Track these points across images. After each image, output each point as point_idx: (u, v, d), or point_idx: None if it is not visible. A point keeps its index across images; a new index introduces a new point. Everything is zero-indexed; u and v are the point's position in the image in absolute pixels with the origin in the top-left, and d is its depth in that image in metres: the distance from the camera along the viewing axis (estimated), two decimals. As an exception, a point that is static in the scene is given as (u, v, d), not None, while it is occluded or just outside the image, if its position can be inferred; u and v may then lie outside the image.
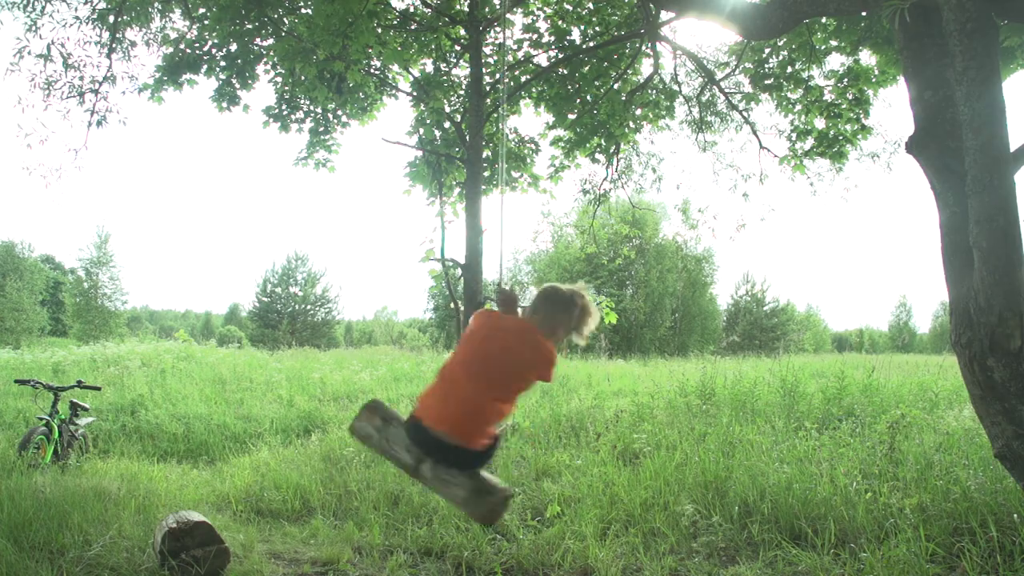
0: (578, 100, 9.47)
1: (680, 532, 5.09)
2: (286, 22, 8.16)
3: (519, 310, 3.38)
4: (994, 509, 4.51)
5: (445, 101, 9.14)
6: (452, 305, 8.56)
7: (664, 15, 8.50)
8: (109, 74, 8.34)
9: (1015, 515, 4.32)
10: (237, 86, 8.66)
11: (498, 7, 8.84)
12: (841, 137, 9.00)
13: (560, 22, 9.11)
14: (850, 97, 8.64)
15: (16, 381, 8.33)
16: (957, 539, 4.39)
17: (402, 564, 4.87)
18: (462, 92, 9.62)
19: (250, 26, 7.92)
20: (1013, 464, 3.39)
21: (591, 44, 9.16)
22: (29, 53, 7.98)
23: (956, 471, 5.19)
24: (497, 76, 9.41)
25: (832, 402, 8.89)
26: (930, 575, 4.08)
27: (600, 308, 9.05)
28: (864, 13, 5.21)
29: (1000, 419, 3.36)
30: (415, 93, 9.31)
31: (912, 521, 4.56)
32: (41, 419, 7.67)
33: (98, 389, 9.68)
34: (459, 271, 8.53)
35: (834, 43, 7.77)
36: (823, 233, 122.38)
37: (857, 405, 8.55)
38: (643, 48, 9.27)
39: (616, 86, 9.30)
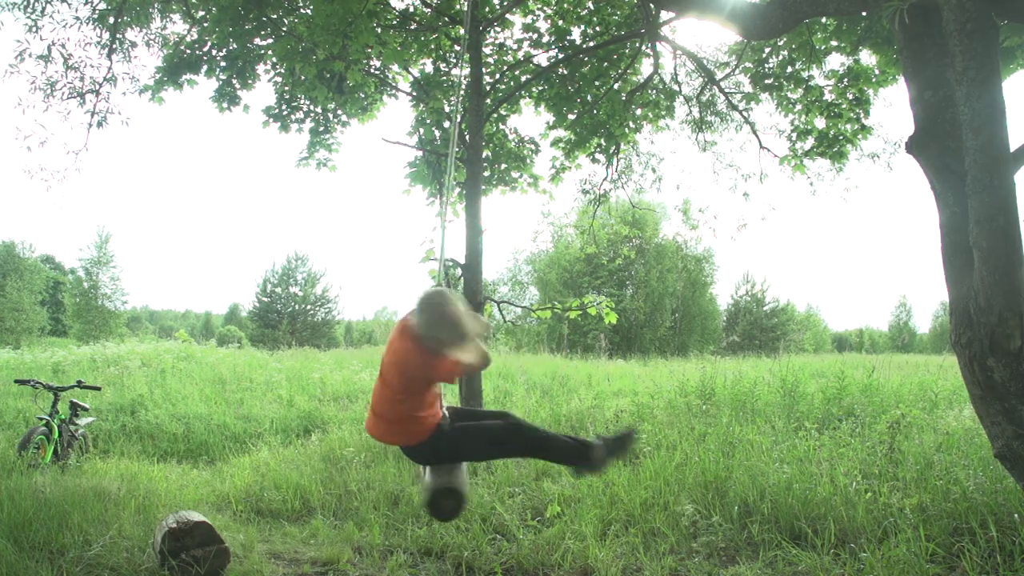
0: (578, 100, 9.46)
1: (680, 532, 5.10)
2: (286, 22, 8.16)
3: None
4: (994, 509, 4.51)
5: (445, 101, 9.13)
6: (452, 305, 8.54)
7: (664, 15, 8.49)
8: (110, 75, 8.34)
9: (1015, 515, 4.32)
10: (237, 86, 8.65)
11: (498, 7, 8.84)
12: (841, 137, 8.99)
13: (560, 22, 9.10)
14: (850, 97, 8.63)
15: (16, 381, 8.34)
16: (957, 539, 4.39)
17: (402, 564, 4.87)
18: (462, 92, 9.61)
19: (249, 26, 7.91)
20: (1013, 464, 3.39)
21: (591, 44, 9.15)
22: (30, 55, 7.98)
23: (956, 471, 5.19)
24: (497, 76, 9.41)
25: (832, 402, 8.88)
26: (930, 575, 4.08)
27: (600, 308, 9.04)
28: (864, 13, 5.21)
29: (1000, 419, 3.37)
30: (415, 93, 9.30)
31: (912, 521, 4.56)
32: (41, 419, 7.67)
33: (98, 389, 9.68)
34: (459, 271, 8.53)
35: (834, 43, 7.76)
36: (823, 233, 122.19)
37: (857, 405, 8.54)
38: (643, 48, 9.27)
39: (616, 86, 9.29)
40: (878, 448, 6.04)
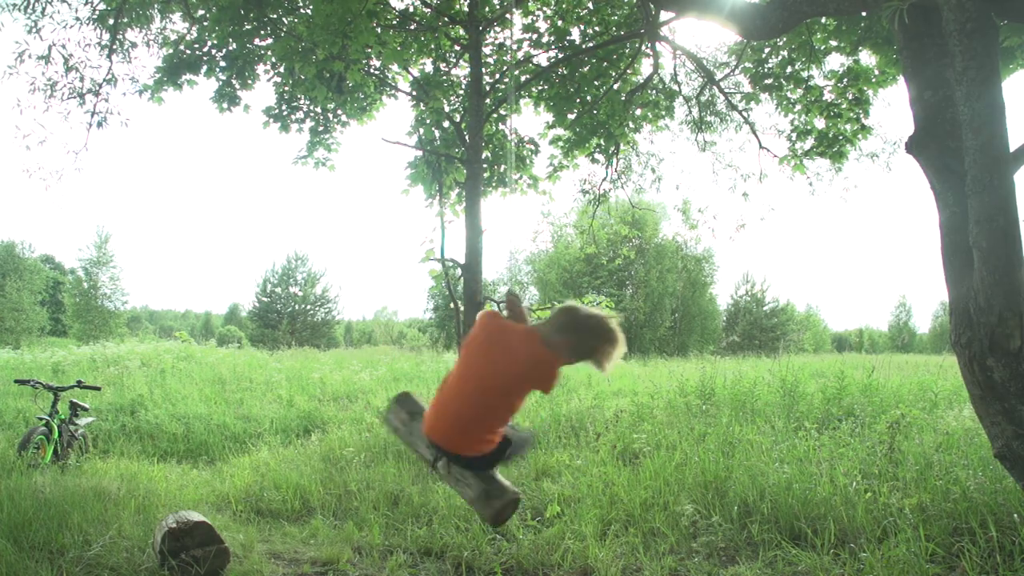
0: (578, 100, 9.46)
1: (680, 532, 5.09)
2: (285, 22, 8.16)
3: (526, 314, 3.25)
4: (994, 509, 4.51)
5: (445, 101, 9.14)
6: (452, 305, 8.56)
7: (664, 15, 8.50)
8: (110, 75, 8.34)
9: (1015, 515, 4.32)
10: (237, 86, 8.66)
11: (498, 7, 8.83)
12: (841, 137, 9.00)
13: (560, 22, 9.10)
14: (850, 97, 8.63)
15: (16, 381, 8.33)
16: (957, 539, 4.39)
17: (402, 564, 4.87)
18: (461, 92, 9.62)
19: (249, 26, 7.92)
20: (1013, 464, 3.39)
21: (591, 44, 9.15)
22: (29, 56, 7.98)
23: (956, 471, 5.19)
24: (497, 76, 9.41)
25: (832, 402, 8.88)
26: (930, 575, 4.08)
27: (600, 308, 9.04)
28: (864, 13, 5.21)
29: (1000, 419, 3.36)
30: (414, 93, 9.31)
31: (912, 521, 4.56)
32: (41, 419, 7.67)
33: (98, 389, 9.67)
34: (459, 271, 8.53)
35: (834, 43, 7.77)
36: (823, 233, 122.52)
37: (857, 405, 8.54)
38: (643, 48, 9.27)
39: (616, 86, 9.30)
40: (878, 448, 6.04)
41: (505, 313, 3.34)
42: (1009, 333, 3.23)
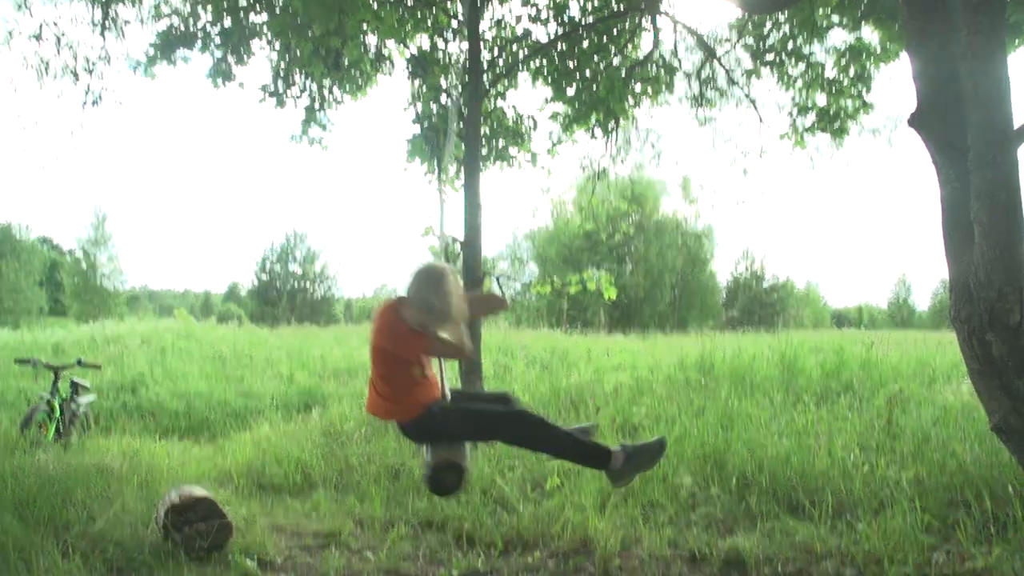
0: (577, 76, 9.36)
1: (679, 504, 5.14)
2: (281, -2, 8.05)
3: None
4: (989, 481, 4.55)
5: (442, 77, 9.04)
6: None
7: (664, -12, 8.39)
8: (103, 53, 8.24)
9: (1009, 487, 4.37)
10: (232, 62, 8.57)
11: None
12: (842, 113, 8.93)
13: (558, -4, 8.97)
14: (852, 73, 8.55)
15: (16, 360, 8.35)
16: (952, 511, 4.44)
17: (403, 536, 4.92)
18: (459, 69, 9.51)
19: (244, 2, 7.81)
20: (1009, 437, 3.42)
21: (590, 19, 9.03)
22: (20, 34, 7.87)
23: (952, 444, 5.24)
24: (495, 52, 9.31)
25: (831, 377, 8.92)
26: (925, 545, 4.13)
27: (600, 283, 9.03)
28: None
29: (997, 393, 3.39)
30: (411, 68, 9.21)
31: (908, 493, 4.61)
32: (42, 398, 7.69)
33: (98, 367, 9.68)
34: (458, 247, 8.50)
35: (836, 19, 7.68)
36: (823, 210, 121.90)
37: (856, 380, 8.58)
38: (643, 23, 9.16)
39: (616, 62, 9.20)
40: (876, 422, 6.09)
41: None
42: (1009, 308, 3.24)
